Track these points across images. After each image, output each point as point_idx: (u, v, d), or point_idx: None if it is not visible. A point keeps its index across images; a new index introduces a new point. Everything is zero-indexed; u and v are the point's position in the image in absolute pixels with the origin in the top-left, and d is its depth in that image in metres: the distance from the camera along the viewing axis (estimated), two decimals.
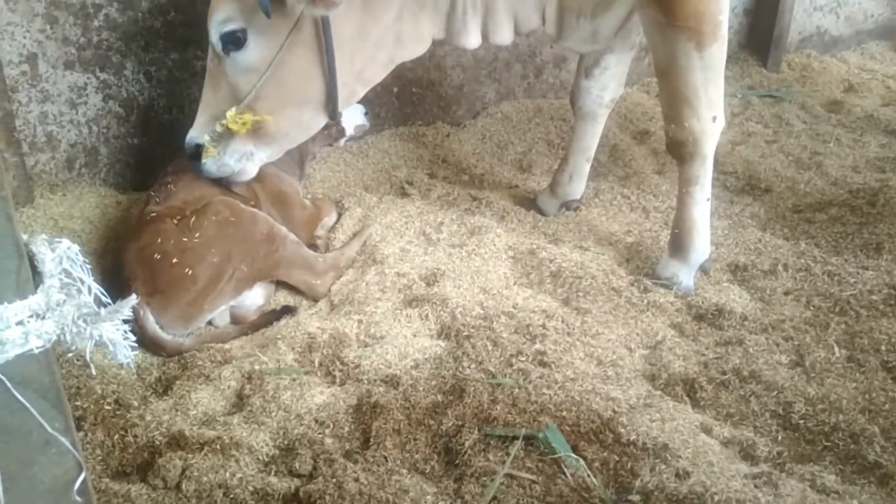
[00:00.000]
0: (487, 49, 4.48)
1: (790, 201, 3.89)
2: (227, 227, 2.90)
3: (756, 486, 2.17)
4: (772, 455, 2.36)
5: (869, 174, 4.12)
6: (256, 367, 2.64)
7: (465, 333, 2.81)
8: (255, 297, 3.07)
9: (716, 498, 2.08)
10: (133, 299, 1.41)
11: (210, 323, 2.98)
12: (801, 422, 2.49)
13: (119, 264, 2.89)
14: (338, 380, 2.65)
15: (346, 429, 2.44)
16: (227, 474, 2.20)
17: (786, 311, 3.03)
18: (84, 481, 1.19)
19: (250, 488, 2.18)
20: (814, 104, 5.00)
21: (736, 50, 5.55)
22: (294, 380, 2.60)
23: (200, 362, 2.69)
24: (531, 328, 2.85)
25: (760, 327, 2.95)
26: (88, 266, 1.46)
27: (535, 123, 4.58)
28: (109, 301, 1.45)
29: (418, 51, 3.11)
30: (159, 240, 2.83)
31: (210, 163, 2.99)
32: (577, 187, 3.74)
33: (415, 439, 2.38)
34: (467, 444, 2.32)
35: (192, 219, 2.88)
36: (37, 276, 1.42)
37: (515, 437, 2.35)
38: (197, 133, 3.00)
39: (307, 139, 3.24)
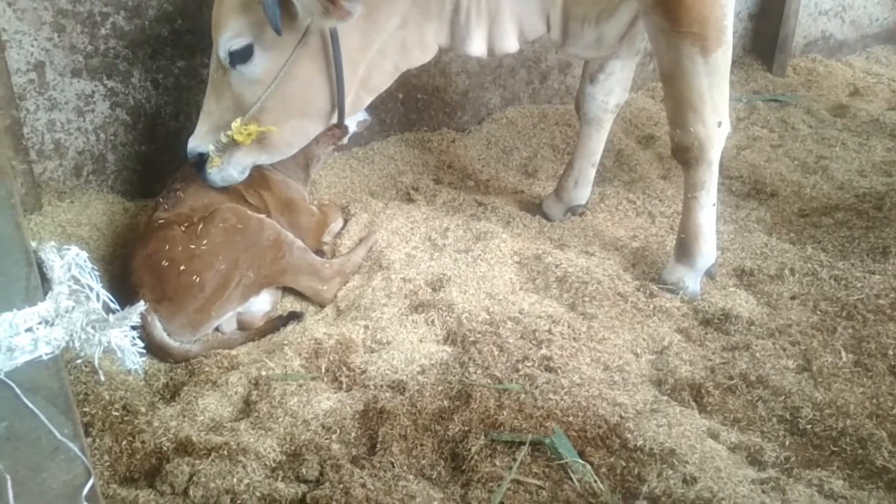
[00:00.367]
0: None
1: (796, 206, 3.88)
2: (234, 233, 2.91)
3: (763, 492, 2.16)
4: (779, 460, 2.35)
5: (875, 178, 4.10)
6: (263, 373, 2.64)
7: (472, 339, 2.81)
8: (262, 303, 3.08)
9: (723, 503, 2.07)
10: (141, 306, 1.42)
11: (217, 329, 2.99)
12: (809, 427, 2.48)
13: (127, 271, 2.90)
14: (344, 385, 2.66)
15: (353, 434, 2.44)
16: (235, 480, 2.20)
17: (792, 316, 3.02)
18: (92, 487, 1.19)
19: (257, 494, 2.18)
20: (819, 108, 4.99)
21: (741, 54, 5.56)
22: (301, 385, 2.60)
23: (207, 368, 2.70)
24: (537, 333, 2.85)
25: (767, 332, 2.94)
26: (97, 273, 1.47)
27: (541, 129, 4.58)
28: (118, 308, 1.46)
29: (423, 58, 3.12)
30: (167, 246, 2.84)
31: (214, 172, 3.02)
32: (583, 192, 3.74)
33: (421, 445, 2.38)
34: (474, 449, 2.32)
35: (200, 226, 2.89)
36: (46, 283, 1.43)
37: (522, 443, 2.34)
38: (199, 142, 3.02)
39: (311, 143, 3.26)
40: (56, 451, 1.21)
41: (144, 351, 1.61)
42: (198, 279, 2.81)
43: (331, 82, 2.92)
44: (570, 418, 2.43)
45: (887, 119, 4.79)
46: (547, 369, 2.67)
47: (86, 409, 2.46)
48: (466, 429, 2.40)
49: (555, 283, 3.19)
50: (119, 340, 1.40)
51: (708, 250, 3.18)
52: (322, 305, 3.18)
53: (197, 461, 2.26)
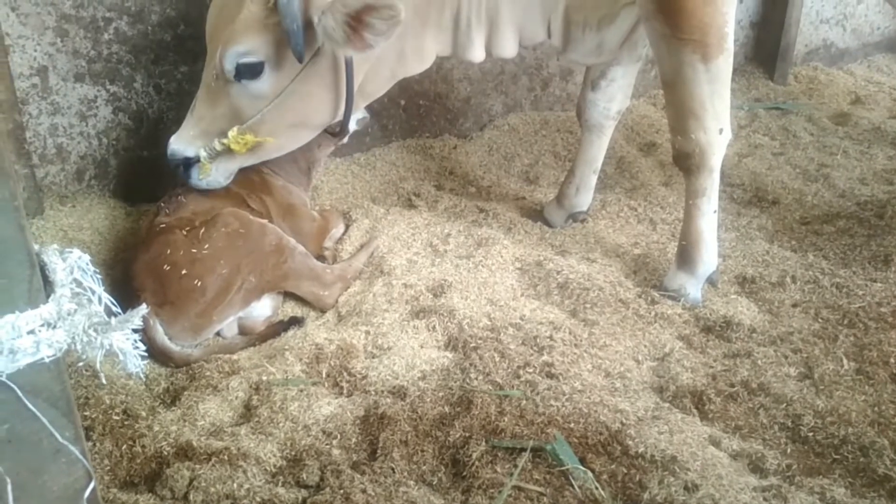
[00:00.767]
0: (494, 62, 4.50)
1: (798, 213, 3.89)
2: (236, 238, 2.91)
3: (765, 500, 2.16)
4: (781, 468, 2.35)
5: (876, 186, 4.11)
6: (264, 378, 2.64)
7: (473, 345, 2.80)
8: (264, 308, 3.07)
9: None
10: (143, 309, 1.42)
11: (218, 334, 2.99)
12: (811, 434, 2.48)
13: (129, 275, 2.90)
14: (345, 391, 2.65)
15: (354, 440, 2.43)
16: (235, 485, 2.19)
17: (794, 324, 3.02)
18: (93, 490, 1.19)
19: (258, 499, 2.17)
20: (821, 116, 5.00)
21: (742, 62, 5.57)
22: (301, 391, 2.60)
23: (208, 373, 2.69)
24: (538, 340, 2.85)
25: (769, 339, 2.93)
26: (99, 276, 1.47)
27: (542, 135, 4.59)
28: (119, 311, 1.46)
29: (421, 67, 3.13)
30: (169, 251, 2.84)
31: (202, 178, 3.01)
32: (584, 199, 3.75)
33: (422, 451, 2.37)
34: (475, 455, 2.32)
35: (202, 230, 2.89)
36: (48, 285, 1.43)
37: (523, 449, 2.34)
38: (185, 146, 2.96)
39: (313, 147, 3.28)
40: (57, 453, 1.21)
41: (146, 355, 1.60)
42: (199, 283, 2.81)
43: (337, 98, 2.93)
44: (572, 425, 2.43)
45: (888, 127, 4.80)
46: (548, 376, 2.67)
47: (86, 413, 2.45)
48: (467, 435, 2.40)
49: (556, 290, 3.19)
50: (121, 344, 1.40)
51: (709, 257, 3.18)
52: (323, 311, 3.18)
53: (197, 466, 2.26)
